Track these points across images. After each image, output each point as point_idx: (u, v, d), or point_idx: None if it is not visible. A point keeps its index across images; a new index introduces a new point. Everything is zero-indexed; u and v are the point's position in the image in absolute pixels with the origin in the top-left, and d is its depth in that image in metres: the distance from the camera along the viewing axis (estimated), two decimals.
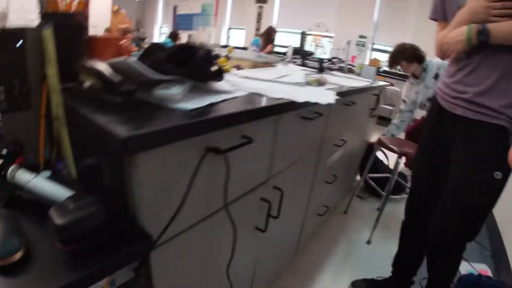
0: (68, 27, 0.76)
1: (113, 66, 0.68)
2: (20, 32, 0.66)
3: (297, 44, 5.31)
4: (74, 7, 0.80)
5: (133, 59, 0.66)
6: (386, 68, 3.65)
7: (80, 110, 0.65)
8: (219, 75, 0.84)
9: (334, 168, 1.84)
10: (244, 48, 5.93)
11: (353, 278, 1.68)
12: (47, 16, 0.76)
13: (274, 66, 1.73)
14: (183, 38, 6.75)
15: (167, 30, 10.29)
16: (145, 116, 0.64)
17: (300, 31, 6.25)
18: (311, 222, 1.75)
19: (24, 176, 0.67)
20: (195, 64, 0.74)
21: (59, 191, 0.65)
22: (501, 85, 1.00)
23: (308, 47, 5.19)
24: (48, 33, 0.63)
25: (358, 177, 2.81)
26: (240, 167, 0.85)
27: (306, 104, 1.00)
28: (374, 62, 5.01)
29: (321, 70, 2.15)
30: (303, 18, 6.67)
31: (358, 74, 2.65)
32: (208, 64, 0.78)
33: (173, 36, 6.09)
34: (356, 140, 2.23)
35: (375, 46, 6.07)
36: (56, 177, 0.69)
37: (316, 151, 1.44)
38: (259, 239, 1.15)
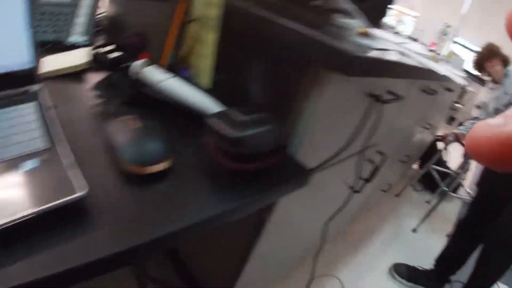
0: None
1: None
2: None
3: None
4: None
5: None
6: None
7: (261, 14, 0.56)
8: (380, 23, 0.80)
9: (408, 149, 1.80)
10: None
11: (395, 260, 1.70)
12: None
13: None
14: None
15: None
16: (340, 40, 0.54)
17: None
18: (374, 195, 1.74)
19: (155, 74, 0.56)
20: (377, 2, 0.70)
21: (204, 100, 0.55)
22: None
23: (388, 20, 4.88)
24: None
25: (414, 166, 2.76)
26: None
27: (444, 78, 0.95)
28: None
29: None
30: None
31: (446, 62, 2.51)
32: (387, 7, 0.74)
33: None
34: (432, 128, 2.15)
35: (456, 39, 5.66)
36: None
37: (410, 128, 1.40)
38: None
